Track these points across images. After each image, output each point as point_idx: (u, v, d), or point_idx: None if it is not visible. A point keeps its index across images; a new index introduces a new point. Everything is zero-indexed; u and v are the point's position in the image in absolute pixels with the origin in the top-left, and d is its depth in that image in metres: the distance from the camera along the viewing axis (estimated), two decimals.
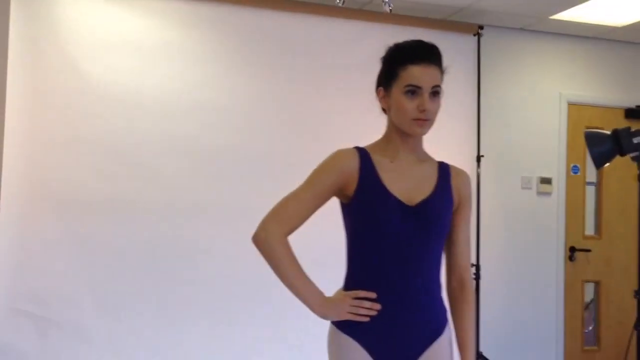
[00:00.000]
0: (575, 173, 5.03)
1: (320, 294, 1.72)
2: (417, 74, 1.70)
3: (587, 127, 5.01)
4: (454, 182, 1.87)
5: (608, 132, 3.23)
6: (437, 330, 1.80)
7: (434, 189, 1.80)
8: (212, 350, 3.63)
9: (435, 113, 1.75)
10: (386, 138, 1.83)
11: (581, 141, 4.98)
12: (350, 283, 1.79)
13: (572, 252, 4.99)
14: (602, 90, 5.10)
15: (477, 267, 4.27)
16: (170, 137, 3.67)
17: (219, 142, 3.74)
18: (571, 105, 5.01)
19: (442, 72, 1.76)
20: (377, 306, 1.70)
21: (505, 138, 4.80)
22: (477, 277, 4.25)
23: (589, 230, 5.20)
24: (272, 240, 1.68)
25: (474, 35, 4.51)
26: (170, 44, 3.72)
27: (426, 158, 1.88)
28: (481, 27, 4.51)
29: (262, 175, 3.79)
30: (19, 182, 3.38)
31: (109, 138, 3.57)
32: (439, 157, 1.91)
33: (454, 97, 4.49)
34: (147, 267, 3.57)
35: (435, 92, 1.74)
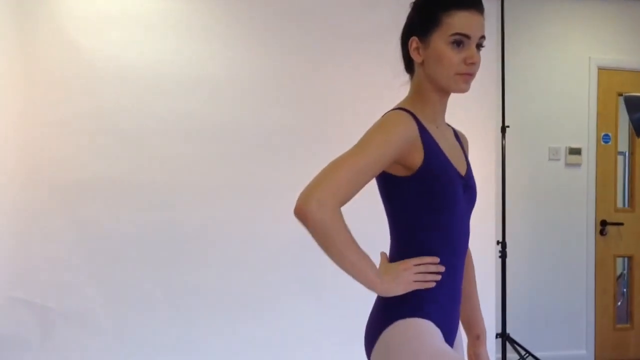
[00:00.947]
0: (607, 142, 4.75)
1: (378, 269, 1.48)
2: (465, 21, 1.48)
3: (619, 93, 4.74)
4: (465, 147, 1.75)
5: None
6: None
7: (465, 157, 1.69)
8: (223, 338, 3.44)
9: (478, 67, 1.52)
10: (421, 98, 1.58)
11: (612, 108, 4.74)
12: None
13: (603, 226, 4.73)
14: (634, 53, 4.79)
15: (503, 244, 4.03)
16: (174, 114, 3.43)
17: (224, 119, 3.49)
18: (601, 70, 4.71)
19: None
20: (442, 268, 1.53)
21: (531, 107, 4.54)
22: (503, 254, 4.02)
23: (621, 202, 4.93)
24: (327, 213, 1.35)
25: None
26: (170, 16, 3.46)
27: (445, 122, 1.71)
28: None
29: (273, 152, 3.55)
30: (13, 165, 3.18)
31: (108, 116, 3.34)
32: (461, 128, 1.77)
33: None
34: (151, 252, 3.37)
35: (479, 45, 1.52)
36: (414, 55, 1.56)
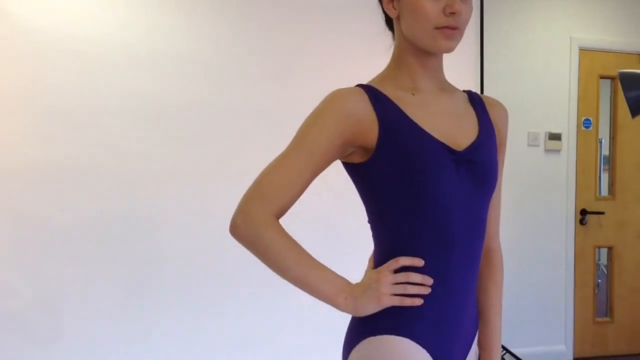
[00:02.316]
0: (587, 128, 4.51)
1: (343, 280, 1.19)
2: None
3: (601, 76, 4.51)
4: (492, 116, 1.37)
5: None
6: (476, 320, 1.38)
7: (479, 128, 1.32)
8: (180, 339, 3.12)
9: (466, 21, 1.24)
10: (396, 63, 1.31)
11: (594, 91, 4.50)
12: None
13: (583, 215, 4.51)
14: (617, 33, 4.55)
15: None
16: (124, 92, 3.08)
17: (185, 98, 3.15)
18: (583, 51, 4.46)
19: None
20: (430, 280, 1.20)
21: (510, 90, 4.26)
22: None
23: (602, 191, 4.72)
24: (257, 225, 1.14)
25: None
26: None
27: (451, 87, 1.37)
28: None
29: (241, 136, 3.22)
30: None
31: (46, 94, 2.96)
32: None
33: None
34: (98, 246, 3.02)
35: None
36: (388, 9, 1.29)
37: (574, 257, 4.50)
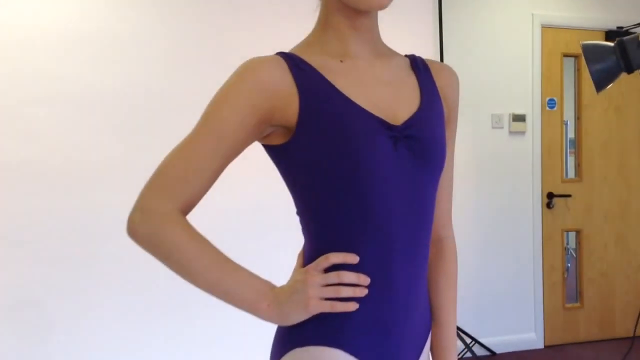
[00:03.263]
0: (552, 108, 4.37)
1: (266, 284, 0.99)
2: None
3: (564, 54, 4.37)
4: (439, 82, 1.15)
5: (611, 44, 2.51)
6: (429, 318, 1.17)
7: (420, 97, 1.10)
8: (141, 340, 2.89)
9: None
10: (322, 26, 1.09)
11: (557, 70, 4.36)
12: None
13: (549, 198, 4.37)
14: (580, 9, 4.41)
15: None
16: (50, 78, 2.83)
17: (119, 83, 2.91)
18: (545, 28, 4.32)
19: None
20: (367, 279, 0.99)
21: (471, 70, 4.10)
22: None
23: (569, 173, 4.59)
24: (158, 222, 0.93)
25: None
26: None
27: (389, 52, 1.15)
28: None
29: (174, 122, 2.99)
30: None
31: None
32: None
33: (410, 22, 3.79)
34: (27, 246, 2.77)
35: None
36: None
37: (541, 241, 4.36)
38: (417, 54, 1.20)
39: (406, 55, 1.19)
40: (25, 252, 2.76)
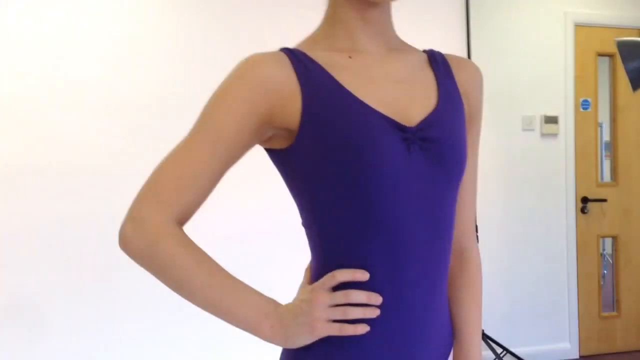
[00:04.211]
0: (586, 109, 4.22)
1: (270, 303, 0.91)
2: None
3: (599, 53, 4.22)
4: (459, 78, 1.05)
5: None
6: (450, 336, 1.07)
7: (438, 96, 1.00)
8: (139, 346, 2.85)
9: None
10: (329, 22, 1.02)
11: (591, 70, 4.21)
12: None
13: (584, 203, 4.21)
14: (614, 7, 4.26)
15: (474, 228, 3.48)
16: (68, 81, 2.81)
17: (142, 88, 2.89)
18: (579, 27, 4.17)
19: None
20: (378, 299, 0.90)
21: (501, 71, 3.98)
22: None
23: (604, 177, 4.43)
24: (151, 234, 0.86)
25: None
26: None
27: (404, 47, 1.06)
28: None
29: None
30: None
31: None
32: None
33: (438, 23, 3.70)
34: (49, 250, 2.75)
35: None
36: None
37: (576, 248, 4.21)
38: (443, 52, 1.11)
39: (424, 51, 1.10)
40: (24, 253, 2.73)
